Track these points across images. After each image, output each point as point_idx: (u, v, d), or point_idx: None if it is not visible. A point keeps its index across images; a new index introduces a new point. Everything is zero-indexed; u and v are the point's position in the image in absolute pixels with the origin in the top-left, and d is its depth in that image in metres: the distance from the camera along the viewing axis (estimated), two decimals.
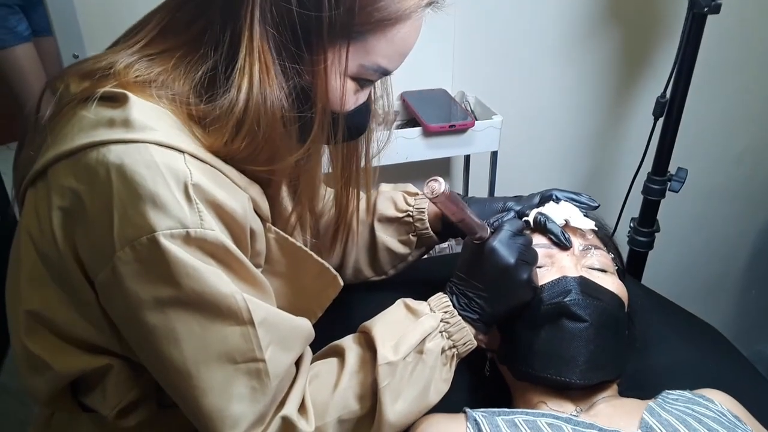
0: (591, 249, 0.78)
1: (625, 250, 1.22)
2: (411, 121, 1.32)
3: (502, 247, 0.71)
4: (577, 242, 0.78)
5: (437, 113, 1.24)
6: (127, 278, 0.54)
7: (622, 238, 1.27)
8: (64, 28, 1.13)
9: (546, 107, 1.46)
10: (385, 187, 0.95)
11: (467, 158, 1.42)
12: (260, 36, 0.57)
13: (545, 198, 0.84)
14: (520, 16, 1.34)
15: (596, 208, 0.82)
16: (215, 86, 0.59)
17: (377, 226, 0.91)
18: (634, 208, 1.28)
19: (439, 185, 0.65)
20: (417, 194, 0.92)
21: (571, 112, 1.49)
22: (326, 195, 0.92)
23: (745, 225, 1.87)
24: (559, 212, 0.80)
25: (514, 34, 1.36)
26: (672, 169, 1.18)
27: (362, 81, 0.65)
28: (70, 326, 0.60)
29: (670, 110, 1.09)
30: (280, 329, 0.61)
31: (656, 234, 1.22)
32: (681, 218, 1.69)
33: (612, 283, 0.76)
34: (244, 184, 0.62)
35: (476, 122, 1.22)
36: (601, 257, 0.78)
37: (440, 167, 1.46)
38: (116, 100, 0.57)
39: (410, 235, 0.90)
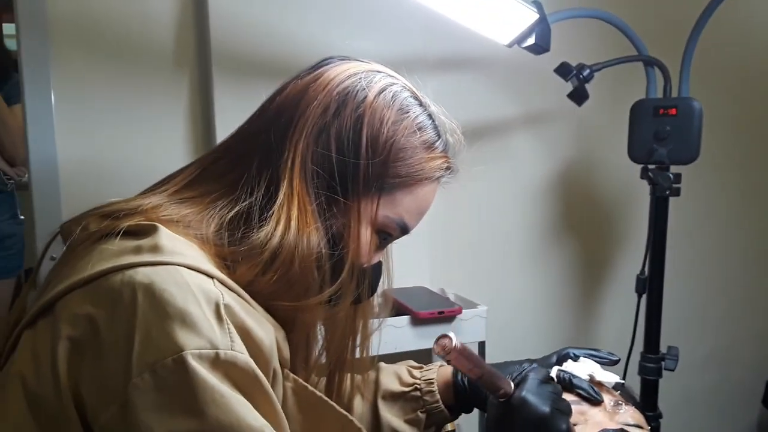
0: (622, 405, 0.74)
1: None
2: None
3: (533, 396, 0.66)
4: (606, 398, 0.74)
5: (423, 303, 1.24)
6: (141, 411, 0.46)
7: None
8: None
9: (526, 299, 1.49)
10: (384, 365, 0.90)
11: None
12: (300, 179, 0.60)
13: (561, 357, 0.81)
14: (489, 216, 1.44)
15: (617, 362, 0.79)
16: (248, 226, 0.58)
17: (381, 405, 0.84)
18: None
19: (451, 341, 0.62)
20: (422, 367, 0.87)
21: (554, 301, 1.52)
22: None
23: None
24: (581, 368, 0.77)
25: (486, 234, 1.45)
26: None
27: (384, 235, 0.67)
28: None
29: (651, 287, 1.14)
30: None
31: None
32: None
33: None
34: (271, 323, 0.58)
35: (463, 311, 1.22)
36: (634, 413, 0.73)
37: (429, 359, 1.41)
38: (143, 233, 0.55)
39: (418, 413, 0.82)
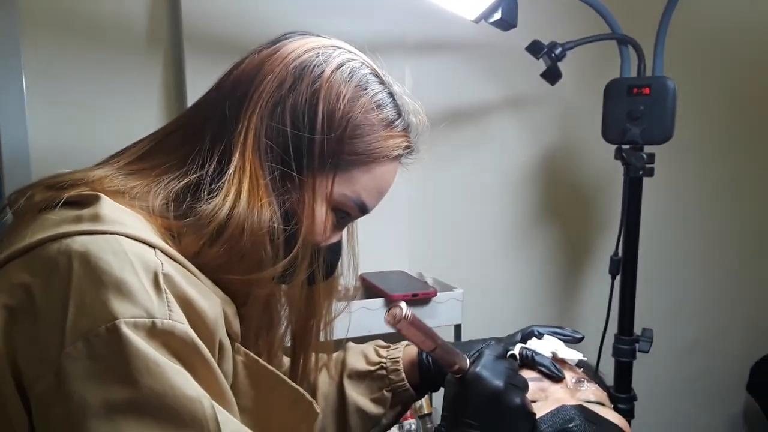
0: (584, 382, 0.73)
1: None
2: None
3: (487, 372, 0.65)
4: (568, 375, 0.73)
5: (399, 286, 1.24)
6: (73, 380, 0.45)
7: None
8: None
9: (505, 282, 1.49)
10: (352, 345, 0.89)
11: None
12: (253, 152, 0.58)
13: (526, 335, 0.80)
14: (468, 201, 1.44)
15: (581, 340, 0.79)
16: (196, 198, 0.57)
17: (347, 384, 0.83)
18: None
19: (401, 310, 0.61)
20: (389, 346, 0.87)
21: (534, 284, 1.52)
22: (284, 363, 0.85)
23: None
24: (544, 346, 0.77)
25: (465, 219, 1.44)
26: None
27: (341, 214, 0.66)
28: None
29: (625, 269, 1.13)
30: None
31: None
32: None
33: (613, 416, 0.69)
34: (219, 296, 0.57)
35: (438, 293, 1.22)
36: (596, 390, 0.73)
37: (401, 341, 1.41)
38: (85, 203, 0.54)
39: (384, 391, 0.82)
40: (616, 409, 0.73)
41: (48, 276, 0.48)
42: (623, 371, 1.16)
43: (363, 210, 0.66)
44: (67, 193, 0.55)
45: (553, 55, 1.05)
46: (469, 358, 0.70)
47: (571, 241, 1.53)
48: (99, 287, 0.46)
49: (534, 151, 1.45)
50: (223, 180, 0.57)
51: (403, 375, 0.81)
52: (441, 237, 1.42)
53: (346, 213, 0.66)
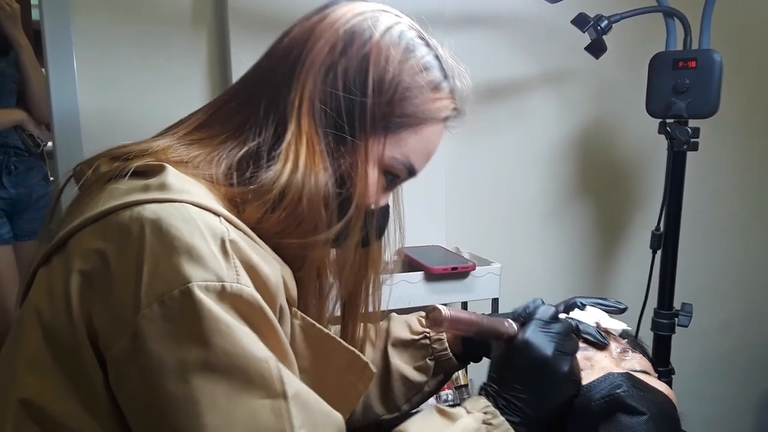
0: (629, 351, 0.74)
1: None
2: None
3: (536, 339, 0.67)
4: (613, 345, 0.74)
5: (437, 260, 1.26)
6: (149, 340, 0.48)
7: None
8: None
9: (542, 256, 1.50)
10: (395, 315, 0.91)
11: (465, 306, 1.39)
12: (308, 118, 0.60)
13: (569, 306, 0.81)
14: (506, 176, 1.44)
15: (624, 310, 0.79)
16: (257, 166, 0.59)
17: (391, 351, 0.85)
18: None
19: (440, 312, 0.63)
20: None
21: (570, 259, 1.52)
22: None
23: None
24: (587, 317, 0.78)
25: (503, 194, 1.44)
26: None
27: (391, 176, 0.67)
28: (69, 419, 0.51)
29: (666, 243, 1.13)
30: (313, 412, 0.53)
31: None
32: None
33: (660, 385, 0.70)
34: (278, 262, 0.59)
35: (477, 267, 1.23)
36: (641, 360, 0.74)
37: None
38: (151, 173, 0.56)
39: (427, 360, 0.84)
40: None
41: (122, 242, 0.50)
42: (662, 345, 1.17)
43: (411, 172, 0.67)
44: (133, 163, 0.57)
45: (598, 27, 1.04)
46: (521, 314, 0.72)
47: (609, 215, 1.53)
48: (171, 252, 0.49)
49: (573, 126, 1.45)
50: (281, 147, 0.59)
51: (446, 344, 0.83)
52: (477, 212, 1.43)
53: (395, 176, 0.67)
